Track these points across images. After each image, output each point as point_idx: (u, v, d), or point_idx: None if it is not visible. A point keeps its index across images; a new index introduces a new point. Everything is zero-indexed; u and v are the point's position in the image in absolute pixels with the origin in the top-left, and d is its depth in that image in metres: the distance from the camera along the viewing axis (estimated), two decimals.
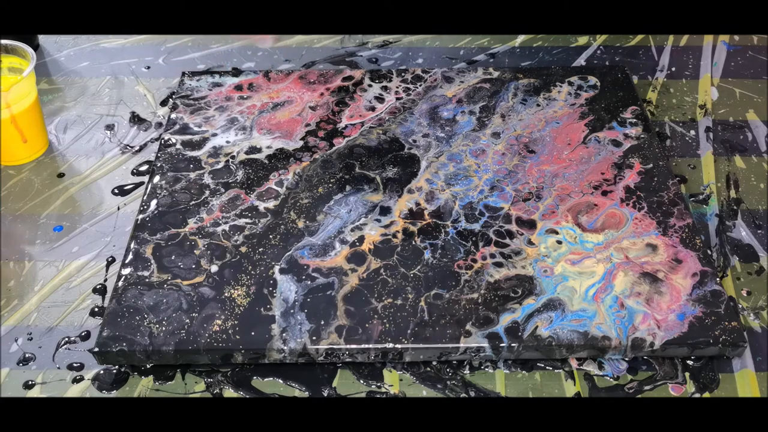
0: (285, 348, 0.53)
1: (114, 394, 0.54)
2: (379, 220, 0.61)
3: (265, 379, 0.55)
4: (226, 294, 0.56)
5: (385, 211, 0.62)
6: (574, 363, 0.55)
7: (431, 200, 0.63)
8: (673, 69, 0.81)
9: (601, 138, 0.69)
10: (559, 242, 0.60)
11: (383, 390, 0.54)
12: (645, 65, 0.82)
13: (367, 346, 0.53)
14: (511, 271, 0.58)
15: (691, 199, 0.67)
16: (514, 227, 0.61)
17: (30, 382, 0.54)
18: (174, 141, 0.68)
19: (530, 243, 0.60)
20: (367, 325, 0.54)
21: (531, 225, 0.61)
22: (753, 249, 0.63)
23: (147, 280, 0.57)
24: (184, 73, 0.76)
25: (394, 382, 0.55)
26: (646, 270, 0.58)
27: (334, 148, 0.68)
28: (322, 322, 0.54)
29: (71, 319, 0.58)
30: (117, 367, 0.55)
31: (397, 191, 0.64)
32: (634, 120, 0.71)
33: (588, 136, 0.69)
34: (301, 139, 0.69)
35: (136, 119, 0.75)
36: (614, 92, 0.74)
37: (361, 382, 0.55)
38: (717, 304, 0.56)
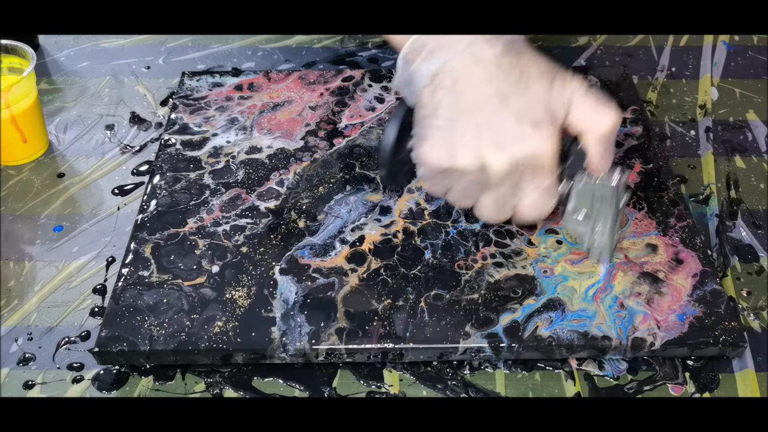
0: (285, 350, 0.53)
1: (114, 394, 0.54)
2: (379, 220, 0.61)
3: (265, 380, 0.55)
4: (227, 295, 0.56)
5: (385, 210, 0.62)
6: (574, 363, 0.55)
7: (431, 200, 0.63)
8: (673, 69, 0.81)
9: None
10: (559, 242, 0.60)
11: (383, 390, 0.54)
12: (645, 65, 0.82)
13: (366, 346, 0.53)
14: (511, 272, 0.58)
15: (691, 199, 0.67)
16: (514, 227, 0.61)
17: (30, 382, 0.54)
18: (174, 141, 0.68)
19: (530, 243, 0.60)
20: (367, 327, 0.54)
21: (531, 225, 0.61)
22: (753, 249, 0.63)
23: (147, 280, 0.57)
24: (184, 73, 0.76)
25: (394, 382, 0.55)
26: (646, 270, 0.58)
27: (334, 148, 0.68)
28: (322, 324, 0.54)
29: (71, 319, 0.58)
30: (117, 367, 0.55)
31: (397, 191, 0.64)
32: (635, 120, 0.71)
33: None
34: (301, 139, 0.69)
35: (136, 119, 0.75)
36: (614, 92, 0.74)
37: (361, 382, 0.55)
38: (717, 304, 0.56)
